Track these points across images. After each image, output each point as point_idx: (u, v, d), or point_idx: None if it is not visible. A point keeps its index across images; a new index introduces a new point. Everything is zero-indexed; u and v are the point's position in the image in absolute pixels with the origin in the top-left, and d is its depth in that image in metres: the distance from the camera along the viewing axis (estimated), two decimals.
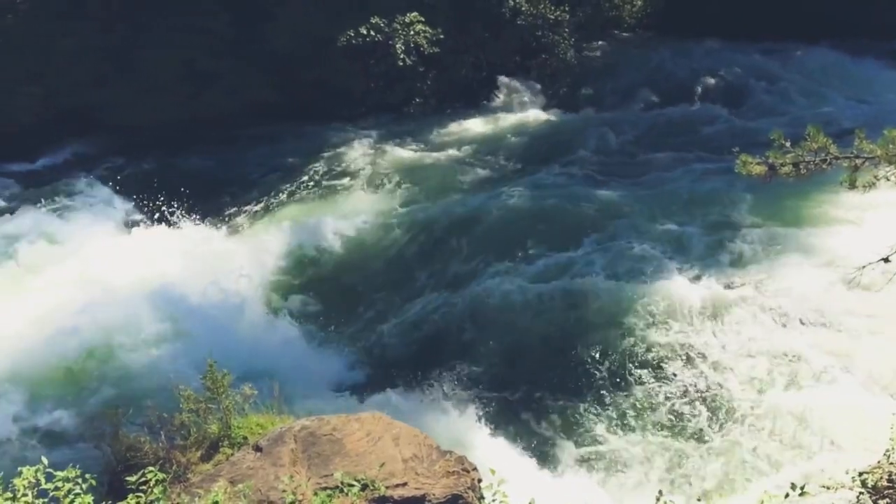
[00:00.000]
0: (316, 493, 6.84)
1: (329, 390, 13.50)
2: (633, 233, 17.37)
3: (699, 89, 27.30)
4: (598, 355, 13.76)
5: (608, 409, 12.68)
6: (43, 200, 20.42)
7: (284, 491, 6.68)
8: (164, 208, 19.81)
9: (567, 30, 28.64)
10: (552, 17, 28.20)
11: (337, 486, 7.19)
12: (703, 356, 13.56)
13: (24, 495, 5.12)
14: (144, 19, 26.09)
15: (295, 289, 16.95)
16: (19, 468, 5.40)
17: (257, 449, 8.77)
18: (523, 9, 27.88)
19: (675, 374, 13.26)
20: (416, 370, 13.71)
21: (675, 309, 14.58)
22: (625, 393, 12.99)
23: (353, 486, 7.11)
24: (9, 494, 5.13)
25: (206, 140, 24.99)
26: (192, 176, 23.26)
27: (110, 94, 25.96)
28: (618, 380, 13.27)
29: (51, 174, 23.35)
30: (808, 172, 7.56)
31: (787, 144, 7.62)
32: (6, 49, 25.84)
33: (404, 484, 8.33)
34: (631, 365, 13.51)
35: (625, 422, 12.41)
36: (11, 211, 20.30)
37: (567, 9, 28.73)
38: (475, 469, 8.83)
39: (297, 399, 11.75)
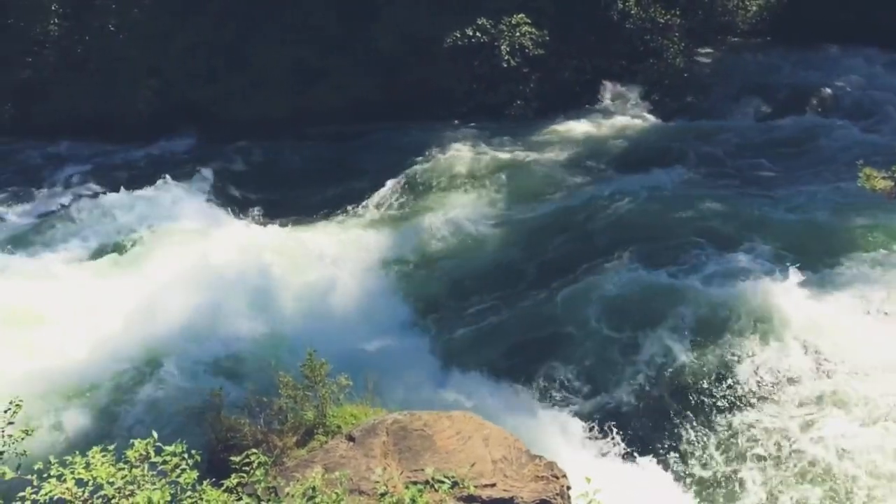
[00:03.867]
0: (407, 487, 6.91)
1: (420, 385, 13.57)
2: (736, 246, 16.75)
3: (815, 99, 26.14)
4: (700, 367, 13.35)
5: (713, 428, 12.26)
6: (155, 189, 21.37)
7: (377, 482, 6.78)
8: (266, 200, 20.47)
9: (677, 34, 27.94)
10: (662, 20, 27.57)
11: (427, 482, 7.25)
12: (809, 376, 12.98)
13: (137, 466, 5.37)
14: (256, 17, 26.99)
15: (391, 285, 17.12)
16: (132, 440, 5.66)
17: (350, 439, 8.94)
18: (632, 12, 27.38)
19: (780, 393, 12.74)
20: (508, 371, 13.65)
21: (779, 324, 14.00)
22: (730, 411, 12.53)
23: (443, 482, 7.15)
24: (122, 465, 5.39)
25: (309, 136, 25.68)
26: (294, 171, 23.96)
27: (221, 88, 26.99)
28: (723, 395, 12.83)
29: (163, 164, 24.43)
30: None
31: None
32: (131, 42, 27.27)
33: (493, 485, 8.33)
34: (735, 380, 13.05)
35: (731, 441, 11.96)
36: (123, 198, 21.31)
37: (678, 13, 28.02)
38: (564, 476, 8.75)
39: (387, 392, 11.90)
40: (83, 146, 25.95)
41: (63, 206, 22.05)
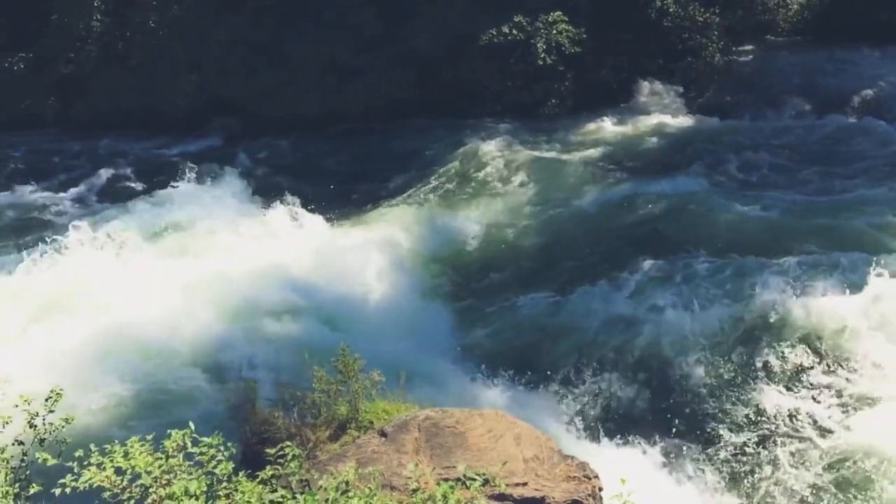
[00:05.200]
0: (438, 484, 6.93)
1: (449, 383, 13.59)
2: (775, 251, 16.43)
3: (858, 100, 25.66)
4: (737, 373, 13.17)
5: (748, 432, 12.09)
6: (192, 184, 21.64)
7: (409, 478, 6.81)
8: (301, 197, 20.62)
9: (716, 33, 27.60)
10: (701, 19, 27.25)
11: (459, 479, 7.26)
12: (849, 387, 12.74)
13: (174, 456, 5.46)
14: (294, 14, 27.20)
15: (422, 283, 17.17)
16: (169, 431, 5.75)
17: (382, 434, 8.99)
18: (671, 10, 27.09)
19: (827, 403, 12.49)
20: (540, 370, 13.60)
21: (816, 332, 13.75)
22: (768, 417, 12.34)
23: (474, 480, 7.16)
24: (160, 455, 5.48)
25: (344, 133, 25.84)
26: (328, 168, 24.14)
27: (258, 84, 27.24)
28: (766, 404, 12.62)
29: (201, 159, 24.72)
30: None
31: None
32: (171, 38, 27.66)
33: (524, 484, 8.31)
34: (770, 383, 12.86)
35: (772, 452, 11.77)
36: (160, 192, 21.64)
37: (717, 11, 27.67)
38: (597, 477, 8.70)
39: (416, 389, 11.92)
40: (123, 140, 26.41)
41: (101, 199, 22.48)
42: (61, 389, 6.29)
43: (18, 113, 28.06)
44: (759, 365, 13.31)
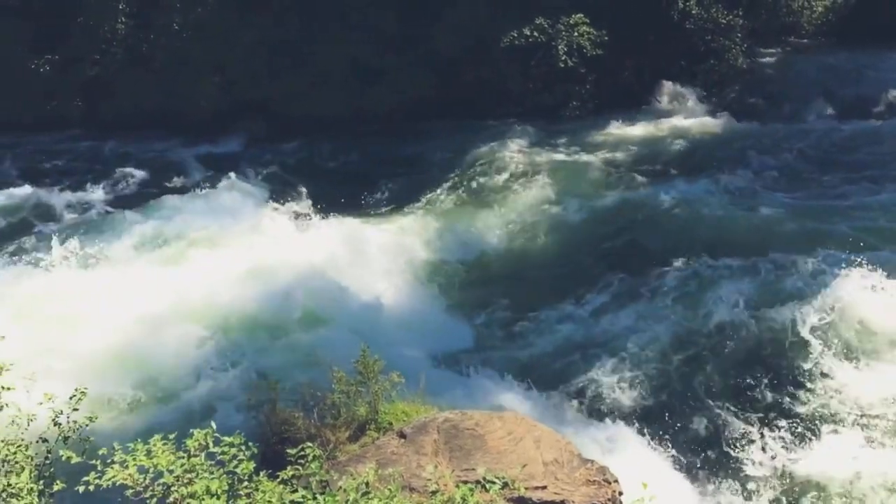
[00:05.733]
0: (457, 486, 6.93)
1: (469, 385, 13.58)
2: (800, 255, 16.23)
3: (884, 103, 25.36)
4: (764, 376, 13.01)
5: (774, 436, 11.96)
6: (216, 185, 21.82)
7: (429, 480, 6.81)
8: (323, 198, 20.74)
9: (739, 35, 27.44)
10: (724, 21, 27.09)
11: (478, 481, 7.26)
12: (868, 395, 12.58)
13: (195, 455, 5.50)
14: (317, 16, 27.34)
15: (441, 285, 17.19)
16: (191, 430, 5.79)
17: (402, 436, 8.99)
18: (693, 12, 26.95)
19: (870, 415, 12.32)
20: (559, 374, 13.56)
21: (858, 341, 13.55)
22: (799, 428, 12.18)
23: (494, 483, 7.16)
24: (182, 453, 5.52)
25: (366, 134, 25.92)
26: (351, 169, 24.25)
27: (283, 85, 27.42)
28: (794, 412, 12.44)
29: (224, 160, 24.94)
30: None
31: None
32: (196, 40, 27.90)
33: (544, 487, 8.28)
34: (797, 389, 12.69)
35: (797, 462, 11.64)
36: (184, 193, 21.84)
37: (740, 13, 27.50)
38: (616, 481, 8.65)
39: (433, 391, 11.92)
40: (147, 141, 26.67)
41: (126, 199, 22.71)
42: (85, 389, 6.37)
43: (45, 113, 28.47)
44: (785, 374, 13.14)
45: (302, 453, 5.71)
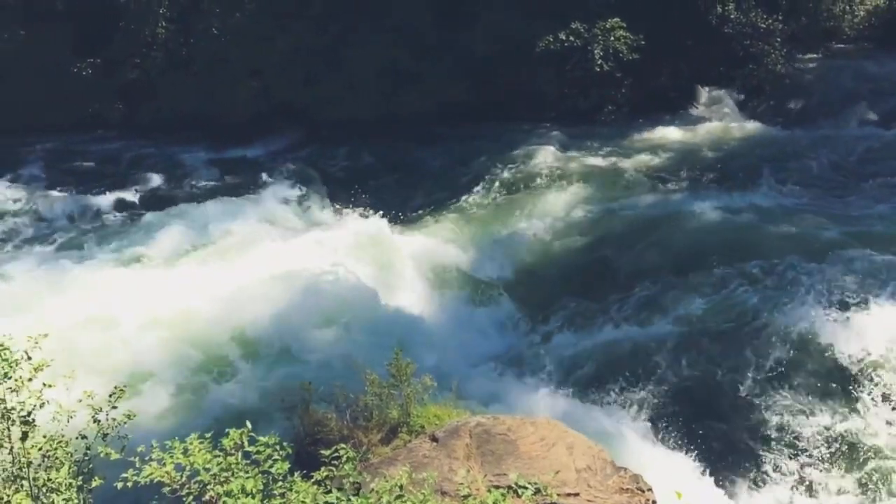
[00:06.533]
0: (489, 491, 6.91)
1: (502, 390, 13.55)
2: (836, 266, 15.88)
3: None
4: (801, 390, 12.79)
5: (805, 457, 11.75)
6: (252, 188, 22.06)
7: (461, 484, 6.80)
8: (358, 201, 20.86)
9: (779, 40, 27.06)
10: (763, 25, 26.75)
11: (510, 487, 7.23)
12: None
13: (231, 454, 5.56)
14: (354, 20, 27.53)
15: (475, 288, 17.16)
16: (227, 430, 5.85)
17: (433, 439, 8.99)
18: (732, 17, 26.65)
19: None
20: (593, 380, 13.45)
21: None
22: (837, 443, 11.96)
23: (526, 488, 7.13)
24: (218, 452, 5.59)
25: (401, 137, 26.01)
26: (384, 172, 24.33)
27: (318, 90, 27.66)
28: (831, 423, 12.23)
29: (261, 163, 25.21)
30: None
31: None
32: (234, 44, 28.27)
33: (576, 494, 8.22)
34: (846, 412, 12.41)
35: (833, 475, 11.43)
36: (217, 194, 22.08)
37: (780, 18, 27.12)
38: (650, 490, 8.56)
39: (469, 394, 11.92)
40: (184, 144, 27.05)
41: (162, 200, 23.04)
42: (125, 387, 6.47)
43: (85, 116, 29.04)
44: (823, 388, 12.88)
45: (336, 455, 5.74)
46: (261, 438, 5.69)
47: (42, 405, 6.17)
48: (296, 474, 5.65)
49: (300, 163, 24.60)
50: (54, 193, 23.53)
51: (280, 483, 5.49)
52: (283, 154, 26.16)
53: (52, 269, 17.33)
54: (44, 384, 6.17)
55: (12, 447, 6.08)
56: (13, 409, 6.11)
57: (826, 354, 13.31)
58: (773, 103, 26.62)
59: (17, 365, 6.09)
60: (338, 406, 10.26)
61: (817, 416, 12.32)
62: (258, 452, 5.59)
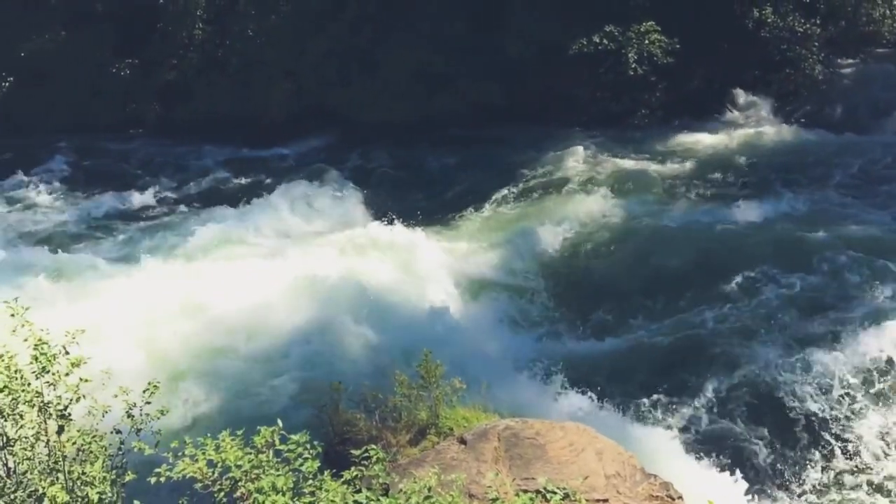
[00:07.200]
0: (517, 495, 6.88)
1: (531, 393, 13.50)
2: (884, 278, 15.58)
3: None
4: (844, 404, 12.59)
5: (839, 472, 11.54)
6: (285, 189, 22.22)
7: (489, 487, 6.78)
8: (389, 202, 20.92)
9: (816, 44, 26.61)
10: (801, 29, 26.31)
11: (538, 491, 7.19)
12: None
13: (262, 452, 5.61)
14: (388, 23, 27.62)
15: (505, 291, 17.14)
16: (258, 427, 5.90)
17: (462, 441, 8.99)
18: (769, 20, 26.26)
19: None
20: (622, 388, 13.37)
21: None
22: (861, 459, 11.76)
23: (555, 493, 7.07)
24: (249, 450, 5.64)
25: (434, 140, 26.03)
26: (417, 174, 24.39)
27: (352, 92, 27.78)
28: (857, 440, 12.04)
29: (295, 165, 25.41)
30: None
31: None
32: (268, 46, 28.52)
33: (605, 500, 8.17)
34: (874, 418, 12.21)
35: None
36: (251, 195, 22.29)
37: (818, 22, 26.67)
38: (681, 497, 8.48)
39: (491, 398, 11.86)
40: (221, 145, 27.33)
41: (196, 200, 23.35)
42: (158, 383, 6.55)
43: (123, 115, 29.48)
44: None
45: (366, 455, 5.76)
46: (292, 437, 5.73)
47: (78, 400, 6.27)
48: (325, 473, 5.68)
49: (333, 164, 24.72)
50: (92, 192, 23.94)
51: (310, 481, 5.52)
52: (316, 155, 26.33)
53: (89, 266, 17.63)
54: (80, 379, 6.27)
55: (49, 440, 6.18)
56: (50, 403, 6.21)
57: (872, 367, 13.08)
58: (810, 109, 26.17)
59: (54, 360, 6.19)
60: (367, 406, 10.31)
61: (857, 430, 12.11)
62: (289, 451, 5.63)
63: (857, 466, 11.60)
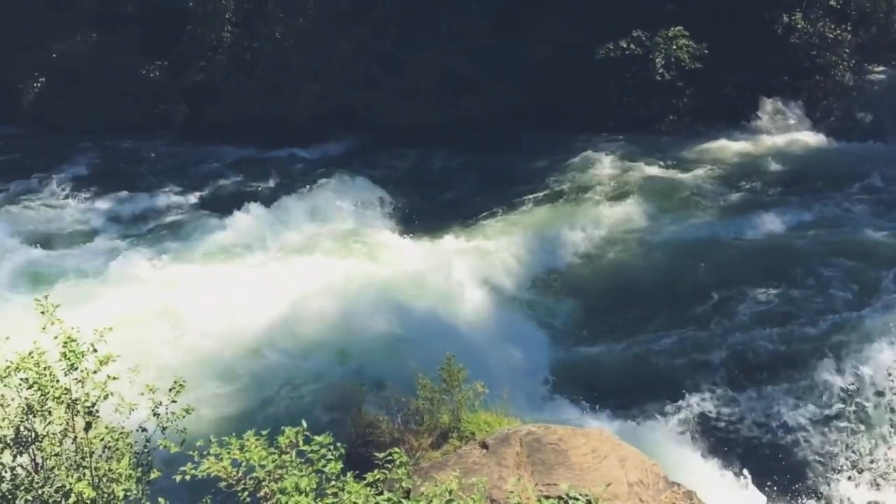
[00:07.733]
0: (539, 500, 6.87)
1: (554, 399, 13.46)
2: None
3: None
4: (860, 413, 12.42)
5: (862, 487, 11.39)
6: (311, 191, 22.34)
7: (511, 492, 6.77)
8: (414, 205, 20.95)
9: (847, 51, 26.29)
10: (831, 36, 26.01)
11: (560, 497, 7.16)
12: None
13: (286, 452, 5.64)
14: (413, 27, 27.69)
15: (529, 297, 17.12)
16: (282, 428, 5.94)
17: (484, 446, 8.98)
18: (799, 26, 26.00)
19: None
20: (646, 394, 13.26)
21: None
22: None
23: (577, 500, 7.04)
24: (273, 450, 5.68)
25: (458, 143, 26.03)
26: (441, 177, 24.41)
27: (378, 95, 27.89)
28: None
29: (320, 167, 25.50)
30: None
31: None
32: (296, 49, 28.70)
33: None
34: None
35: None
36: (277, 196, 22.43)
37: (849, 28, 26.36)
38: None
39: (521, 402, 11.85)
40: (245, 146, 27.52)
41: (224, 201, 23.51)
42: (184, 381, 6.61)
43: (152, 117, 29.81)
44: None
45: (389, 458, 5.78)
46: (315, 438, 5.76)
47: (106, 397, 6.34)
48: (348, 475, 5.70)
49: (356, 167, 24.81)
50: (121, 192, 24.19)
51: (333, 483, 5.54)
52: (342, 157, 26.43)
53: (118, 266, 17.83)
54: (108, 376, 6.34)
55: (76, 437, 6.26)
56: (78, 399, 6.29)
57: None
58: (840, 115, 25.85)
59: (83, 357, 6.26)
60: (389, 409, 10.33)
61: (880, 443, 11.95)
62: (312, 452, 5.66)
63: (882, 480, 11.41)
